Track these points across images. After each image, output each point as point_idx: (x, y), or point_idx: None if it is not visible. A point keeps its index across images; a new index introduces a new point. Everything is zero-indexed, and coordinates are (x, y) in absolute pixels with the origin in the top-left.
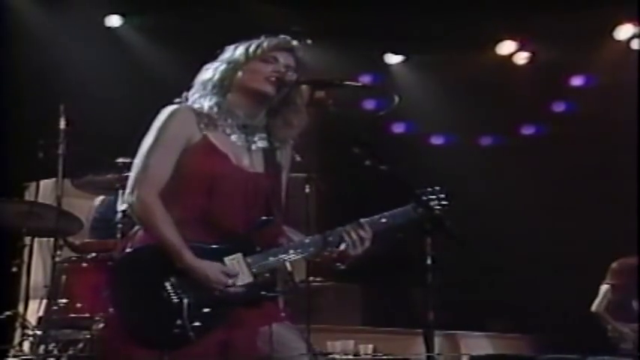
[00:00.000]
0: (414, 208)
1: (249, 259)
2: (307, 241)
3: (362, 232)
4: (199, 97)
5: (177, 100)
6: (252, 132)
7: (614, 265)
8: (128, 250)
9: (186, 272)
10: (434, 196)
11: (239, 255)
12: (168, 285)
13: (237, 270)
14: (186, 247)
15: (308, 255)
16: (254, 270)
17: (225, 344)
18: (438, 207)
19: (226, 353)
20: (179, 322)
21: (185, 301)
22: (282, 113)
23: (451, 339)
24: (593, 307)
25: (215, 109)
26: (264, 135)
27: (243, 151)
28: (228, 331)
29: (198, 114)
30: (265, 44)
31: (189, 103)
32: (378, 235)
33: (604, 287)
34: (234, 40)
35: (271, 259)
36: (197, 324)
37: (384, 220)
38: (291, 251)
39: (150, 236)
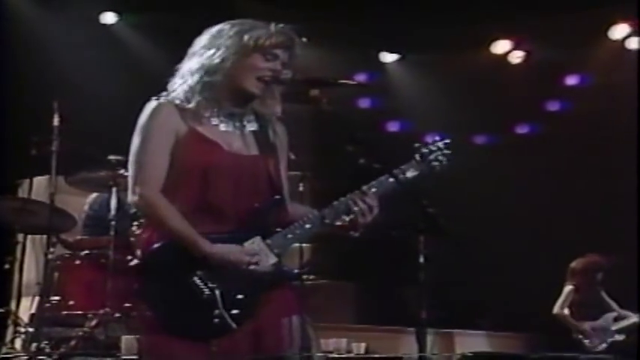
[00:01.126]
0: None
1: (268, 241)
2: (319, 214)
3: (367, 199)
4: (187, 90)
5: (156, 96)
6: (240, 118)
7: (572, 264)
8: (155, 246)
9: (208, 260)
10: (434, 148)
11: (257, 238)
12: (196, 278)
13: (258, 253)
14: (200, 237)
15: (323, 228)
16: (276, 251)
17: (256, 332)
18: (441, 159)
19: (258, 341)
20: (217, 311)
21: (217, 291)
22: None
23: (445, 337)
24: (555, 309)
25: (203, 103)
26: (252, 117)
27: (235, 136)
28: (259, 319)
29: (181, 108)
30: (272, 40)
31: (174, 94)
32: (383, 200)
33: (566, 288)
34: None
35: (290, 236)
36: (234, 312)
37: (391, 180)
38: (308, 226)
39: (161, 233)
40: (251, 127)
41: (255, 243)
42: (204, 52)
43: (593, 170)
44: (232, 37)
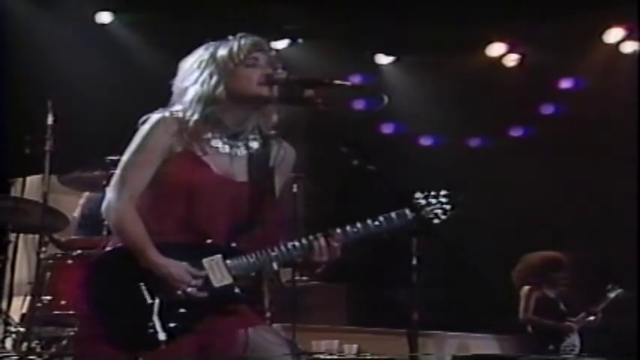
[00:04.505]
0: (405, 215)
1: (228, 262)
2: (290, 246)
3: (331, 242)
4: (188, 109)
5: (161, 109)
6: (239, 138)
7: (519, 267)
8: (107, 249)
9: (151, 270)
10: (434, 201)
11: (218, 257)
12: (142, 286)
13: (214, 271)
14: (152, 246)
15: (286, 260)
16: (233, 272)
17: (199, 347)
18: (442, 214)
19: (200, 356)
20: (152, 323)
21: (157, 301)
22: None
23: (437, 339)
24: (521, 314)
25: (203, 121)
26: (252, 137)
27: (229, 159)
28: (203, 334)
29: (184, 123)
30: (245, 47)
31: (177, 111)
32: (370, 238)
33: (524, 289)
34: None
35: (252, 261)
36: (171, 325)
37: (377, 223)
38: (273, 254)
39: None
40: (253, 145)
41: (214, 261)
42: (196, 82)
43: (586, 173)
44: (211, 64)
